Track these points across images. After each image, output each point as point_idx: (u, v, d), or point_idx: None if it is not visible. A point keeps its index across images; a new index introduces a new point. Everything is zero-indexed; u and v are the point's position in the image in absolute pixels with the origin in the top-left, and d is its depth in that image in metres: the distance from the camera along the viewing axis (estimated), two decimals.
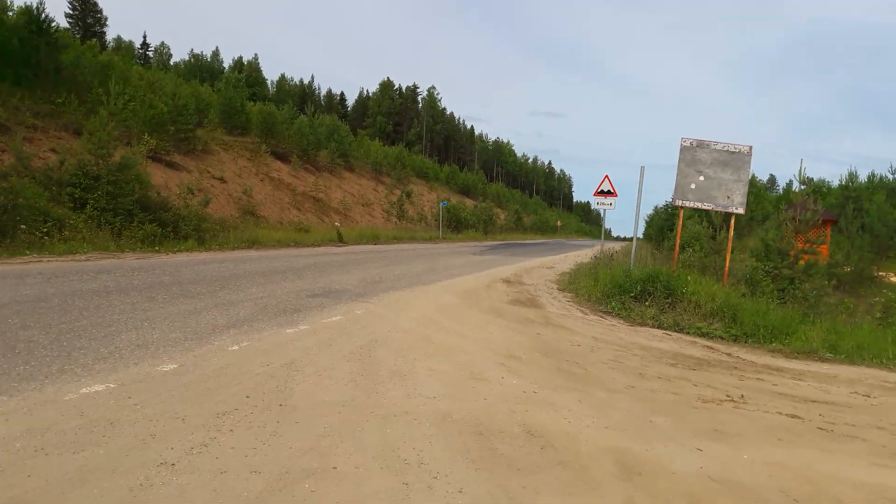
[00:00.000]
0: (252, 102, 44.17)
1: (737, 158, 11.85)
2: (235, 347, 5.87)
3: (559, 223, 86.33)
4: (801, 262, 12.68)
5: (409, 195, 47.80)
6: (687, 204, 12.22)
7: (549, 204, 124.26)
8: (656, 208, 33.45)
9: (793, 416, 5.19)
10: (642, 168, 13.09)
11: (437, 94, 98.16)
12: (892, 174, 37.98)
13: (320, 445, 3.73)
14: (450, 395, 4.94)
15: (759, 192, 42.92)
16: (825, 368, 7.73)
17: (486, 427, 4.28)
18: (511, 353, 6.72)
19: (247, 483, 3.18)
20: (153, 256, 14.34)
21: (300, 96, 77.66)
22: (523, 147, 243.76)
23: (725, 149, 11.88)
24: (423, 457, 3.68)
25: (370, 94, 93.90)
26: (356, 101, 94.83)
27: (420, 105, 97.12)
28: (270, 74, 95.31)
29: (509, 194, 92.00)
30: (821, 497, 3.56)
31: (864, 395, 6.36)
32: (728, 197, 11.85)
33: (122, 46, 61.09)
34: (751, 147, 11.82)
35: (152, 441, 3.60)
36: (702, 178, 11.93)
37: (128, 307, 7.38)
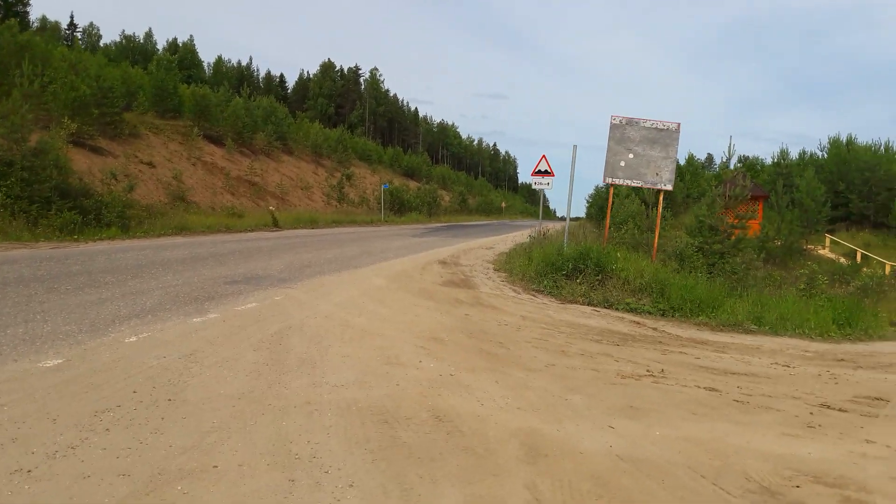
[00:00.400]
0: (186, 85, 42.47)
1: (665, 136, 11.87)
2: (133, 339, 5.47)
3: (504, 204, 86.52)
4: (733, 238, 12.88)
5: (349, 178, 47.02)
6: (617, 181, 12.21)
7: (495, 185, 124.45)
8: (597, 188, 33.77)
9: (711, 390, 5.15)
10: (574, 146, 13.06)
11: (380, 75, 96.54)
12: (822, 151, 39.27)
13: (204, 443, 3.43)
14: (360, 383, 4.70)
15: (696, 170, 43.85)
16: (749, 340, 7.81)
17: (392, 414, 4.06)
18: (434, 336, 6.51)
19: (111, 488, 2.88)
20: (70, 246, 13.58)
21: (238, 78, 75.00)
22: (469, 129, 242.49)
23: (654, 126, 11.88)
24: (317, 450, 3.43)
25: (311, 76, 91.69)
26: (296, 82, 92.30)
27: (363, 87, 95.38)
28: (207, 56, 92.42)
29: (454, 176, 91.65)
30: (728, 471, 3.47)
31: (783, 366, 6.40)
32: (657, 174, 11.88)
33: (46, 27, 57.83)
34: (679, 124, 11.86)
35: (12, 445, 3.25)
36: (631, 155, 11.92)
37: (23, 300, 6.85)
